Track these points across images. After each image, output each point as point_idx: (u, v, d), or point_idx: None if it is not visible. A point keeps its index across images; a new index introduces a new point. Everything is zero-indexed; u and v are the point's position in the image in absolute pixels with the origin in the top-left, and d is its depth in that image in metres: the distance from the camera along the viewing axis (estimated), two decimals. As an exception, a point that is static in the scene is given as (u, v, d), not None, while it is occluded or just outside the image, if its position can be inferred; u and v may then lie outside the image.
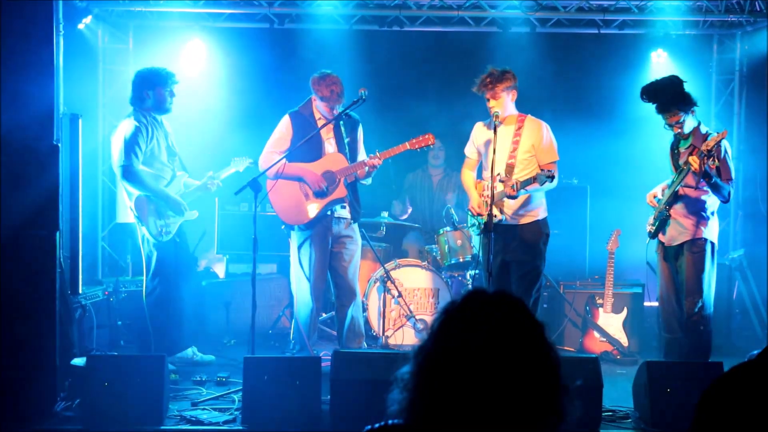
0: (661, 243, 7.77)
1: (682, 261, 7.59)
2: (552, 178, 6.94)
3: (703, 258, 7.53)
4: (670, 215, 7.61)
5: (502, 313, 2.04)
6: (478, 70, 7.56)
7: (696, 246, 7.52)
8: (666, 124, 7.53)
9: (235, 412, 6.61)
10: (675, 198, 7.57)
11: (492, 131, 7.20)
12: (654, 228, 7.74)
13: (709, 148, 7.14)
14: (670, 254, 7.69)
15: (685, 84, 7.48)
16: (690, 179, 7.42)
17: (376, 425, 2.15)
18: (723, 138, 7.28)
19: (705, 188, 7.43)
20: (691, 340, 7.60)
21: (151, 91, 8.02)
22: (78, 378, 6.65)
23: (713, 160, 7.21)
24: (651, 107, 7.56)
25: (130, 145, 7.86)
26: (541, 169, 7.03)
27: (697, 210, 7.53)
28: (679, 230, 7.57)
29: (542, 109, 7.72)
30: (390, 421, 2.13)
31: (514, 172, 7.29)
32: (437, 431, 2.00)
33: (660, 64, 10.92)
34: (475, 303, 2.07)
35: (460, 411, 1.96)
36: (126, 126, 7.97)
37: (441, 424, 1.99)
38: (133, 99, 8.07)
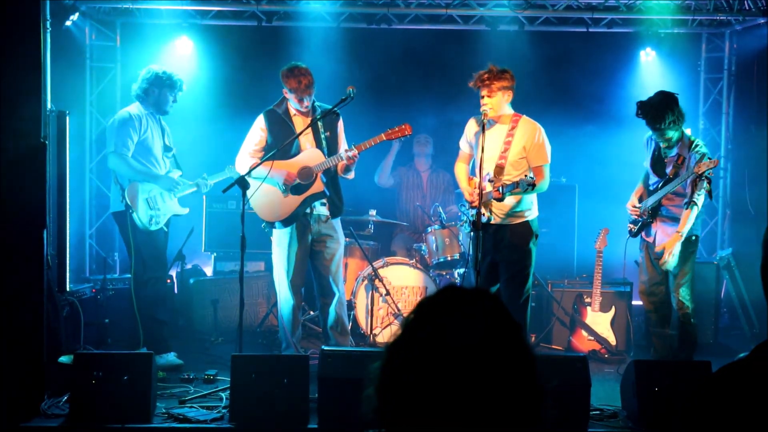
0: (645, 241, 7.82)
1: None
2: (533, 186, 6.88)
3: (693, 254, 7.61)
4: (653, 221, 7.67)
5: (476, 308, 2.03)
6: (467, 68, 7.52)
7: (688, 242, 7.57)
8: (658, 138, 7.54)
9: (223, 410, 6.59)
10: (660, 206, 7.63)
11: (487, 129, 7.17)
12: (637, 228, 7.80)
13: (701, 172, 7.21)
14: (658, 253, 7.71)
15: (678, 97, 7.52)
16: (677, 187, 7.48)
17: None
18: (714, 167, 7.33)
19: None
20: (682, 334, 7.67)
21: (156, 89, 8.15)
22: (65, 375, 6.65)
23: (703, 181, 7.27)
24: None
25: (121, 134, 7.98)
26: (525, 176, 6.99)
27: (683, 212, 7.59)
28: (669, 230, 7.60)
29: (531, 107, 7.69)
30: (368, 431, 2.11)
31: (504, 173, 7.22)
32: (410, 430, 1.98)
33: (649, 63, 10.96)
34: (449, 297, 2.06)
35: (428, 405, 1.94)
36: (122, 114, 8.13)
37: (411, 419, 1.97)
38: (138, 91, 8.20)
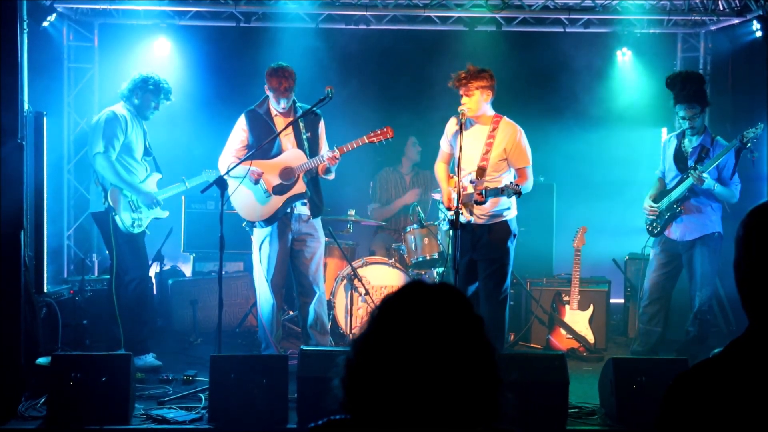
0: (665, 238, 7.93)
1: (696, 255, 7.81)
2: (519, 194, 6.93)
3: (717, 251, 7.76)
4: (682, 210, 7.78)
5: (439, 302, 2.07)
6: (445, 68, 7.55)
7: (712, 240, 7.74)
8: (681, 117, 7.76)
9: (202, 411, 6.59)
10: (688, 195, 7.73)
11: (466, 129, 7.21)
12: (661, 226, 7.89)
13: (746, 139, 7.38)
14: (678, 249, 7.85)
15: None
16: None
17: (320, 422, 2.19)
18: (760, 132, 7.52)
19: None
20: (700, 330, 7.92)
21: (140, 93, 8.17)
22: (43, 377, 6.62)
23: (752, 152, 7.47)
24: (618, 107, 7.72)
25: (108, 133, 7.97)
26: (510, 182, 7.02)
27: (709, 204, 7.76)
28: (691, 226, 7.79)
29: (508, 106, 7.72)
30: (334, 417, 2.15)
31: (486, 175, 7.24)
32: (373, 420, 2.02)
33: (625, 63, 11.00)
34: (412, 292, 2.10)
35: (391, 395, 1.98)
36: (107, 114, 8.10)
37: (375, 411, 2.01)
38: (124, 91, 8.21)
